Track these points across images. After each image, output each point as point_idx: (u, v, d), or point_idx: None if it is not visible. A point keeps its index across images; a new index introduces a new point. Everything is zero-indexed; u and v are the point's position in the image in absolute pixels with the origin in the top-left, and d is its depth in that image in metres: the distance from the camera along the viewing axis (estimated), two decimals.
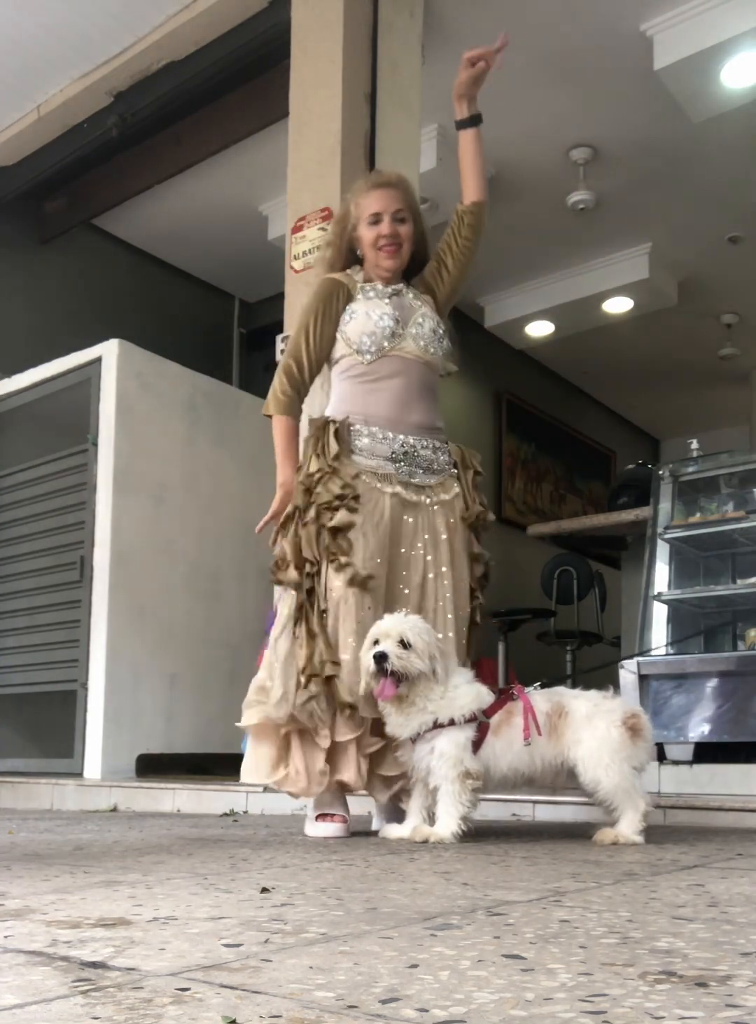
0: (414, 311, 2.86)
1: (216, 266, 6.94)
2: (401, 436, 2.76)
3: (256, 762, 2.70)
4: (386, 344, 2.77)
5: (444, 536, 2.75)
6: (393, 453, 2.74)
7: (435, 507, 2.77)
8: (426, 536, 2.73)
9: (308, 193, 3.98)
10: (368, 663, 2.33)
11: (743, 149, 5.41)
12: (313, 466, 2.73)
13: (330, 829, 2.63)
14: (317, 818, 2.67)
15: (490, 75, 2.95)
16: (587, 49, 4.76)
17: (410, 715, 2.34)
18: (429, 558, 2.72)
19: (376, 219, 2.82)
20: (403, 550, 2.71)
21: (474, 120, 2.94)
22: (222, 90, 5.03)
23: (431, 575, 2.72)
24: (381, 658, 2.29)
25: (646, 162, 5.63)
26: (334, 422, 2.76)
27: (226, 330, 7.32)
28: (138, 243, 6.66)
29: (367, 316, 2.79)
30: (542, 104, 5.17)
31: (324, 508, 2.67)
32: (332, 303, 2.84)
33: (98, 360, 4.74)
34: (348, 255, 2.93)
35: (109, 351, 4.71)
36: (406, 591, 2.70)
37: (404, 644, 2.30)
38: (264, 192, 5.98)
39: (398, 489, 2.72)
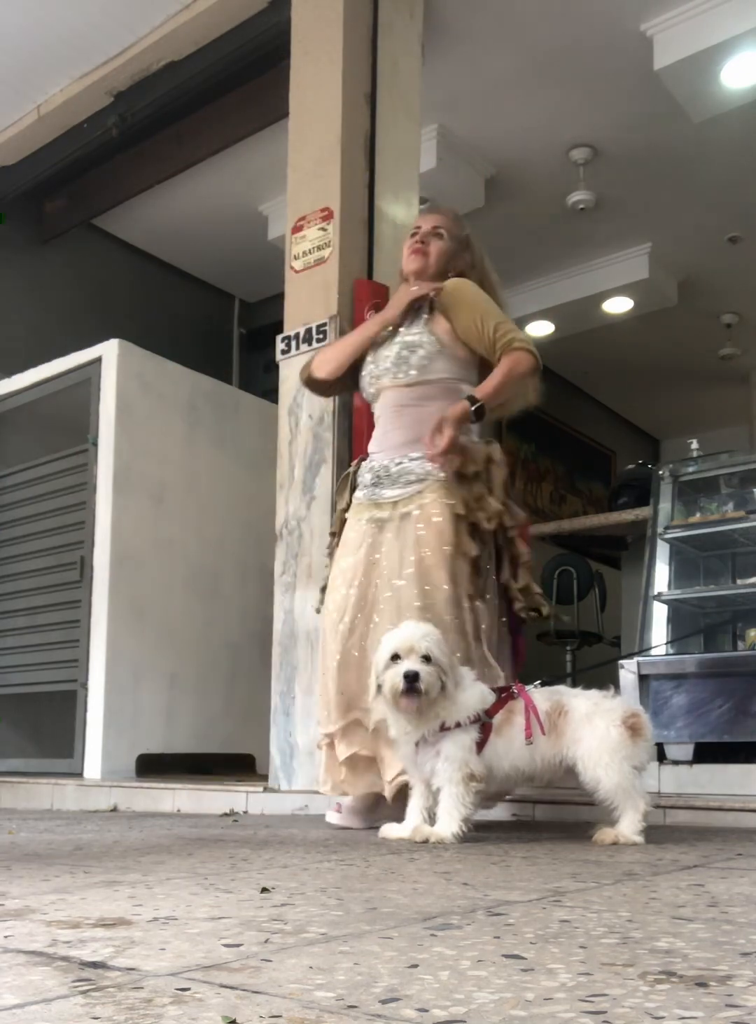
0: (385, 346, 3.01)
1: (216, 266, 6.94)
2: (378, 459, 2.96)
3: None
4: (372, 390, 3.05)
5: (412, 542, 2.79)
6: (367, 481, 2.95)
7: (405, 516, 2.83)
8: (397, 545, 2.82)
9: (308, 193, 3.98)
10: (396, 681, 2.27)
11: (743, 149, 5.41)
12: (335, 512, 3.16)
13: (334, 818, 2.90)
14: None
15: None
16: (587, 49, 4.76)
17: (421, 724, 2.33)
18: (397, 565, 2.80)
19: (414, 232, 3.10)
20: (382, 564, 2.82)
21: (473, 401, 2.86)
22: (222, 90, 5.03)
23: (400, 581, 2.77)
24: (413, 677, 2.24)
25: (646, 162, 5.63)
26: (349, 470, 3.13)
27: (226, 330, 7.32)
28: (138, 243, 6.66)
29: (365, 365, 3.09)
30: (542, 104, 5.17)
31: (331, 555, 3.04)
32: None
33: (98, 360, 4.74)
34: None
35: (109, 351, 4.71)
36: (387, 595, 2.79)
37: (427, 658, 2.27)
38: (264, 192, 5.98)
39: (370, 512, 2.90)
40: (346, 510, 3.01)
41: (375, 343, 3.03)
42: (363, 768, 2.80)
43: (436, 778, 2.32)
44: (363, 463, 3.03)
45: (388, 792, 2.72)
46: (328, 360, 3.13)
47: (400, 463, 2.88)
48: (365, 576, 2.82)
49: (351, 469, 3.10)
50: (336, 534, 3.06)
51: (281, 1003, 0.86)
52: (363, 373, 3.07)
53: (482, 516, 2.80)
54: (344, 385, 3.22)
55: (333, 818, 2.91)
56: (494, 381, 2.85)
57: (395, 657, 2.30)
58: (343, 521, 3.01)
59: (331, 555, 3.05)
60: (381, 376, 2.98)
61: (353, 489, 3.03)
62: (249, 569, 5.06)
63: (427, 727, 2.33)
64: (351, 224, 3.88)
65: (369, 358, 3.04)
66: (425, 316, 2.98)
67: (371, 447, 3.04)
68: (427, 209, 3.31)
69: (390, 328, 3.01)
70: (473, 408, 2.78)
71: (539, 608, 2.88)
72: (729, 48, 4.47)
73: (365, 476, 2.97)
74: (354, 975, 0.96)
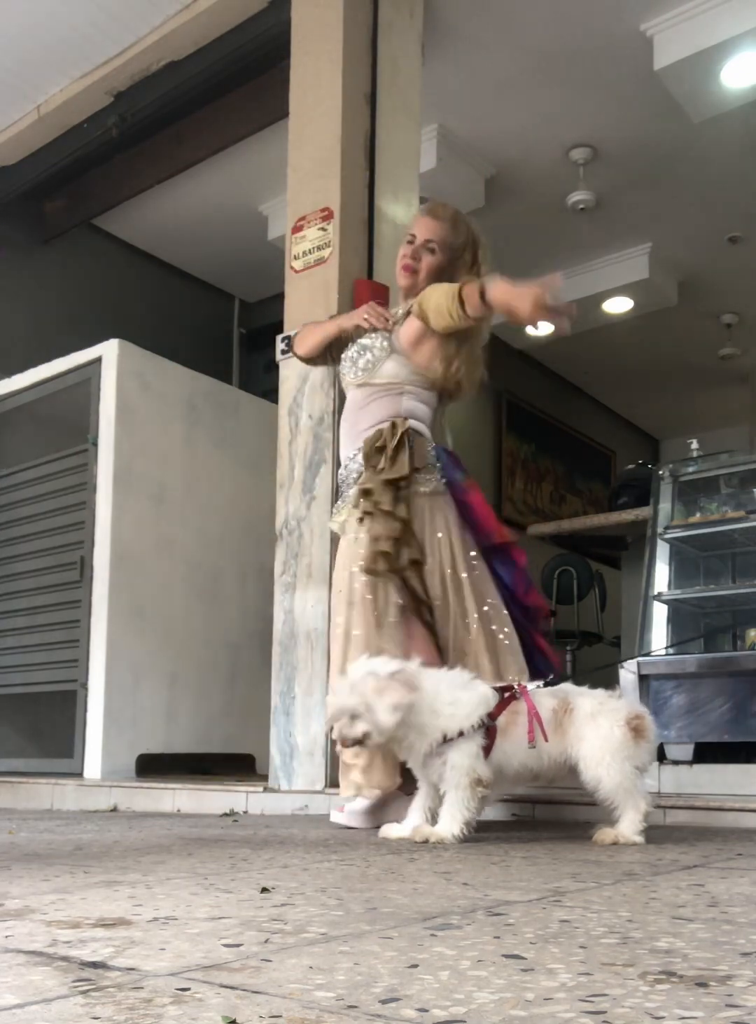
0: (348, 345, 3.13)
1: (216, 266, 6.94)
2: (343, 466, 3.07)
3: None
4: (342, 385, 3.20)
5: (355, 535, 2.90)
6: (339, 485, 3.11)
7: (353, 511, 2.95)
8: (345, 546, 2.95)
9: (308, 193, 3.98)
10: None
11: (743, 149, 5.40)
12: None
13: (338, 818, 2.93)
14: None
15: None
16: (587, 49, 4.76)
17: (409, 740, 2.32)
18: (347, 560, 2.91)
19: (410, 239, 3.07)
20: (351, 570, 2.91)
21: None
22: (222, 90, 5.03)
23: (348, 580, 2.90)
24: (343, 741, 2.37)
25: (646, 162, 5.63)
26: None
27: (226, 330, 7.32)
28: (138, 243, 6.66)
29: None
30: (542, 104, 5.17)
31: None
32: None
33: (98, 360, 4.74)
34: None
35: (109, 351, 4.71)
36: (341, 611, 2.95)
37: (351, 714, 2.30)
38: (264, 192, 5.98)
39: (340, 519, 3.02)
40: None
41: (348, 338, 3.16)
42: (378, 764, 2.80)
43: (443, 783, 2.32)
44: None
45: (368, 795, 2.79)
46: (304, 341, 3.29)
47: (351, 459, 3.02)
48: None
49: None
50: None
51: (281, 1003, 0.86)
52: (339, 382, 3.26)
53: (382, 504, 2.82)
54: (326, 361, 3.36)
55: (338, 818, 2.91)
56: (474, 284, 2.77)
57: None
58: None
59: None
60: (344, 374, 3.13)
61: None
62: (249, 569, 5.06)
63: (423, 741, 2.31)
64: (351, 224, 3.88)
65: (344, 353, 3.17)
66: (401, 314, 3.06)
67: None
68: (426, 210, 3.16)
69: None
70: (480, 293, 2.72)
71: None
72: (729, 48, 4.47)
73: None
74: (354, 975, 0.96)
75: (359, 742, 2.32)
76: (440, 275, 3.00)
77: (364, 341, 3.06)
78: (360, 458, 2.94)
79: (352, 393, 3.10)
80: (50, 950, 1.11)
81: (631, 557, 4.64)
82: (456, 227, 3.05)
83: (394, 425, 2.90)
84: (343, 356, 3.14)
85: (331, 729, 2.39)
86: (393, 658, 2.42)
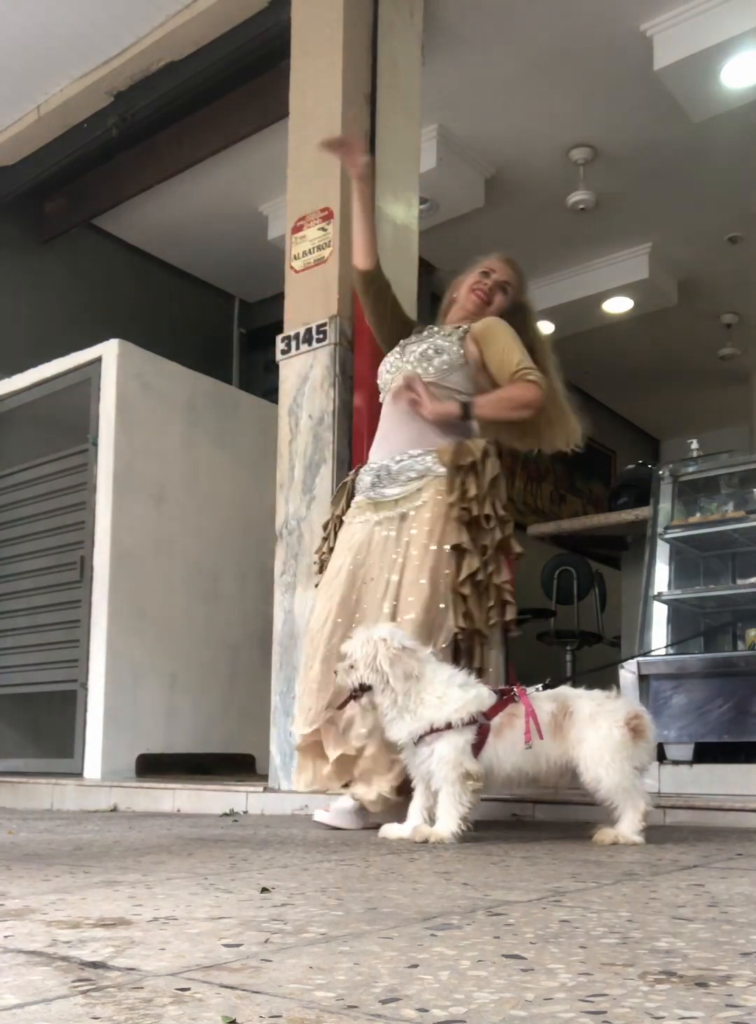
0: (417, 342, 3.04)
1: (216, 266, 6.94)
2: (378, 462, 2.97)
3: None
4: (389, 377, 3.05)
5: (406, 539, 2.83)
6: (368, 482, 2.96)
7: (405, 515, 2.86)
8: (388, 544, 2.85)
9: (308, 193, 3.98)
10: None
11: (743, 149, 5.40)
12: (326, 519, 3.16)
13: (322, 816, 2.87)
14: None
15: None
16: (587, 49, 4.76)
17: (393, 721, 2.38)
18: (395, 558, 2.82)
19: (486, 273, 3.10)
20: (370, 563, 2.85)
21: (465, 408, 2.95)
22: (222, 90, 5.03)
23: (395, 578, 2.80)
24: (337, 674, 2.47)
25: (646, 162, 5.63)
26: (346, 479, 3.12)
27: (226, 330, 7.31)
28: (138, 243, 6.66)
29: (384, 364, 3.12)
30: (542, 104, 5.17)
31: (321, 565, 3.04)
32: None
33: (98, 360, 4.74)
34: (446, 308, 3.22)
35: (109, 351, 4.71)
36: (378, 585, 2.83)
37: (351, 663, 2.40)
38: (264, 192, 5.98)
39: (367, 514, 2.92)
40: (341, 516, 3.04)
41: (404, 340, 3.10)
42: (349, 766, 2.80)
43: (433, 779, 2.33)
44: (361, 469, 3.05)
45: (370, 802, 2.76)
46: (356, 249, 3.22)
47: (400, 461, 2.90)
48: (350, 577, 2.84)
49: (350, 478, 3.10)
50: (326, 538, 3.08)
51: (281, 1003, 0.86)
52: (386, 362, 3.09)
53: (474, 506, 2.81)
54: (385, 306, 3.22)
55: (322, 816, 2.87)
56: (492, 395, 2.95)
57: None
58: (337, 526, 3.03)
59: (321, 564, 3.04)
60: (402, 369, 3.00)
61: (350, 497, 3.04)
62: (249, 569, 5.06)
63: (408, 727, 2.34)
64: (351, 224, 3.87)
65: (396, 349, 3.09)
66: (462, 331, 3.01)
67: (373, 450, 3.05)
68: (503, 257, 3.18)
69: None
70: (462, 405, 2.89)
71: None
72: (729, 48, 4.47)
73: (364, 479, 2.98)
74: (354, 975, 0.96)
75: (351, 696, 2.41)
76: (502, 316, 3.06)
77: (438, 342, 2.99)
78: (428, 460, 2.87)
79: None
80: (50, 950, 1.11)
81: (631, 557, 4.63)
82: (524, 284, 3.18)
83: (486, 452, 2.90)
84: (407, 350, 3.03)
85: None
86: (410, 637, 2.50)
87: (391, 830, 2.48)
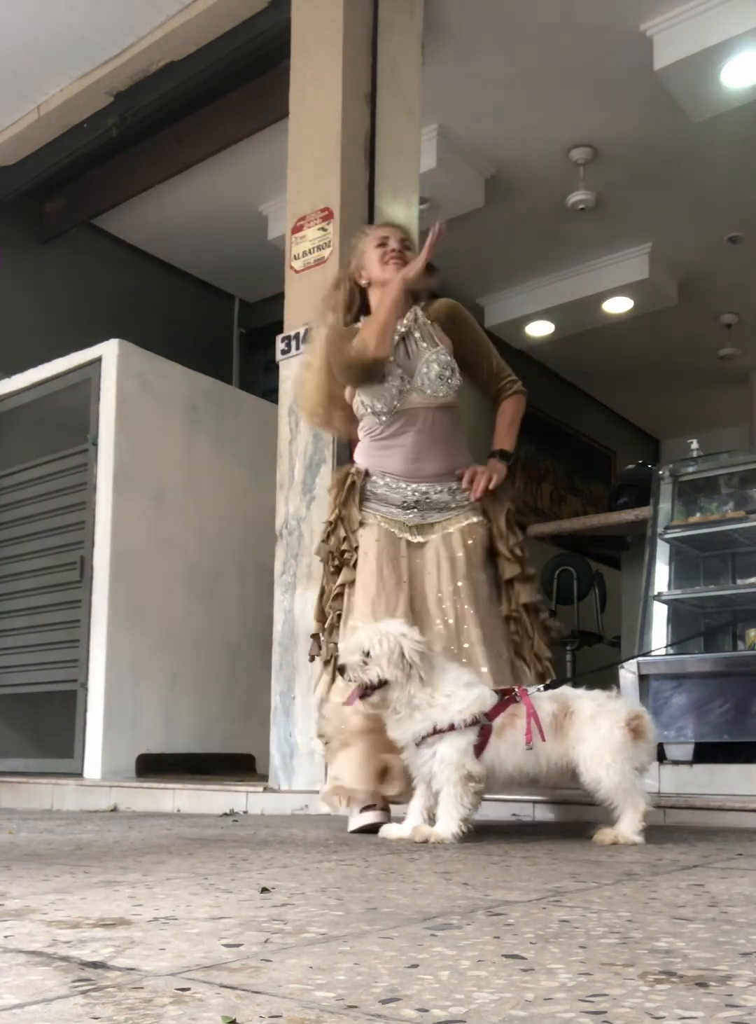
0: (420, 357, 2.96)
1: (216, 266, 6.94)
2: (414, 485, 2.91)
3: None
4: (396, 403, 2.93)
5: (460, 554, 2.86)
6: (404, 502, 2.90)
7: (451, 531, 2.88)
8: (442, 555, 2.84)
9: (308, 193, 3.98)
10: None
11: (743, 149, 5.40)
12: (329, 516, 2.99)
13: (374, 816, 2.71)
14: (361, 810, 2.75)
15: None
16: (587, 49, 4.76)
17: (400, 721, 2.36)
18: (446, 573, 2.82)
19: (383, 241, 3.03)
20: (427, 573, 2.84)
21: (504, 456, 3.04)
22: (222, 90, 5.03)
23: (449, 587, 2.81)
24: (341, 669, 2.42)
25: (646, 162, 5.63)
26: (351, 474, 2.97)
27: (226, 330, 7.31)
28: (138, 243, 6.66)
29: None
30: (542, 104, 5.17)
31: (330, 565, 2.95)
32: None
33: (98, 360, 4.74)
34: (356, 298, 3.09)
35: (109, 351, 4.71)
36: (437, 597, 2.81)
37: (367, 654, 2.36)
38: (264, 192, 5.98)
39: (406, 536, 2.88)
40: (347, 512, 2.92)
41: (397, 356, 2.94)
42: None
43: (435, 780, 2.33)
44: (382, 479, 2.92)
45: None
46: (382, 338, 2.89)
47: (441, 491, 2.92)
48: (411, 581, 2.83)
49: (357, 480, 2.94)
50: (331, 537, 2.94)
51: (281, 1003, 0.86)
52: (381, 390, 2.91)
53: (518, 548, 2.93)
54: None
55: (372, 817, 2.73)
56: (514, 428, 3.08)
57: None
58: (348, 527, 2.91)
59: (339, 565, 2.92)
60: (412, 392, 2.91)
61: (361, 501, 2.94)
62: (249, 569, 5.06)
63: (413, 727, 2.34)
64: (351, 224, 3.87)
65: (394, 372, 2.92)
66: (433, 331, 2.99)
67: (392, 468, 2.92)
68: (383, 224, 3.26)
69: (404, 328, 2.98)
70: (507, 465, 3.00)
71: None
72: (729, 48, 4.47)
73: (395, 495, 2.90)
74: (354, 975, 0.96)
75: (369, 689, 2.36)
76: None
77: (443, 357, 2.94)
78: (448, 490, 2.91)
79: (431, 414, 2.92)
80: (50, 950, 1.11)
81: (631, 557, 4.63)
82: (410, 232, 3.18)
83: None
84: (417, 372, 2.92)
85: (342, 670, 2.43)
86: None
87: (391, 830, 2.48)
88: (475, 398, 3.22)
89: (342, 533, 2.92)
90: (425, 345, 2.97)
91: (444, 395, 2.94)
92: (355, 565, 2.88)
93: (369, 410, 2.96)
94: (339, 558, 2.92)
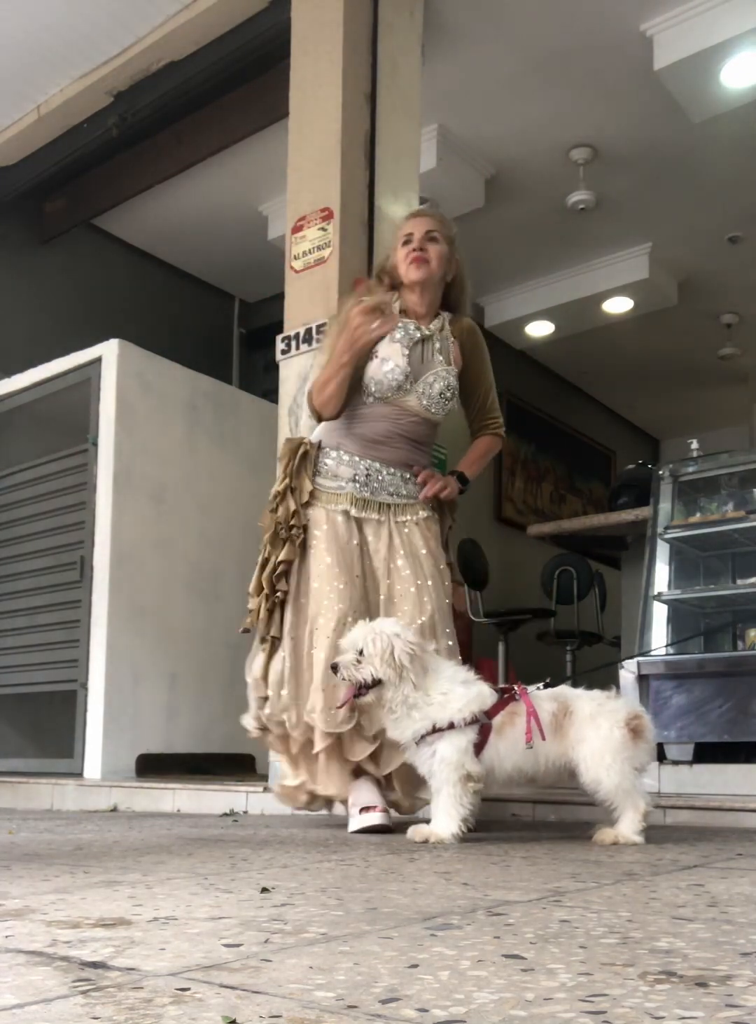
0: (430, 368, 2.95)
1: (216, 266, 6.94)
2: (366, 461, 2.93)
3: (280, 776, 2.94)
4: (390, 396, 2.92)
5: (423, 551, 2.89)
6: (355, 475, 2.91)
7: (405, 524, 2.92)
8: (401, 551, 2.87)
9: (308, 193, 3.98)
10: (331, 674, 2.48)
11: (743, 149, 5.40)
12: (278, 486, 2.97)
13: (377, 817, 2.70)
14: (361, 810, 2.74)
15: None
16: (587, 49, 4.76)
17: (397, 721, 2.36)
18: (407, 572, 2.84)
19: (407, 239, 2.98)
20: (376, 566, 2.86)
21: (462, 479, 3.10)
22: (222, 90, 5.03)
23: (412, 588, 2.82)
24: (335, 668, 2.40)
25: (646, 162, 5.63)
26: (305, 444, 2.96)
27: (226, 330, 7.31)
28: (138, 243, 6.66)
29: (382, 363, 2.91)
30: (542, 104, 5.17)
31: (276, 535, 2.90)
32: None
33: (98, 360, 4.74)
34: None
35: (109, 351, 4.71)
36: (401, 595, 2.82)
37: (360, 653, 2.36)
38: (264, 192, 5.98)
39: (348, 507, 2.87)
40: (296, 484, 2.91)
41: (412, 355, 2.91)
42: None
43: (433, 779, 2.33)
44: (335, 452, 2.92)
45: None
46: (328, 402, 2.93)
47: (392, 472, 2.95)
48: (352, 576, 2.81)
49: (306, 448, 2.93)
50: (279, 507, 2.91)
51: (281, 1003, 0.86)
52: (382, 375, 2.89)
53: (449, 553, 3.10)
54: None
55: (375, 819, 2.71)
56: (481, 462, 3.16)
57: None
58: (303, 505, 2.88)
59: (285, 538, 2.87)
60: (411, 394, 2.90)
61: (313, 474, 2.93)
62: (249, 569, 5.03)
63: (412, 726, 2.34)
64: (351, 224, 3.88)
65: (397, 363, 2.89)
66: (452, 347, 2.99)
67: (355, 446, 2.93)
68: (414, 213, 3.19)
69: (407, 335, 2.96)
70: (461, 486, 3.05)
71: None
72: (729, 48, 4.47)
73: (344, 470, 2.91)
74: (354, 975, 0.96)
75: (364, 689, 2.36)
76: (447, 264, 2.99)
77: (450, 381, 2.96)
78: (400, 477, 2.96)
79: (417, 424, 2.96)
80: (50, 950, 1.11)
81: (631, 557, 4.63)
82: (446, 222, 3.08)
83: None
84: (424, 381, 2.91)
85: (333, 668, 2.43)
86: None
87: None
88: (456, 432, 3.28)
89: (292, 505, 2.88)
90: (441, 359, 2.97)
91: (435, 412, 2.97)
92: (301, 544, 2.87)
93: (363, 386, 2.93)
94: (287, 531, 2.87)
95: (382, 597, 2.83)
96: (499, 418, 3.17)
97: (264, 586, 2.89)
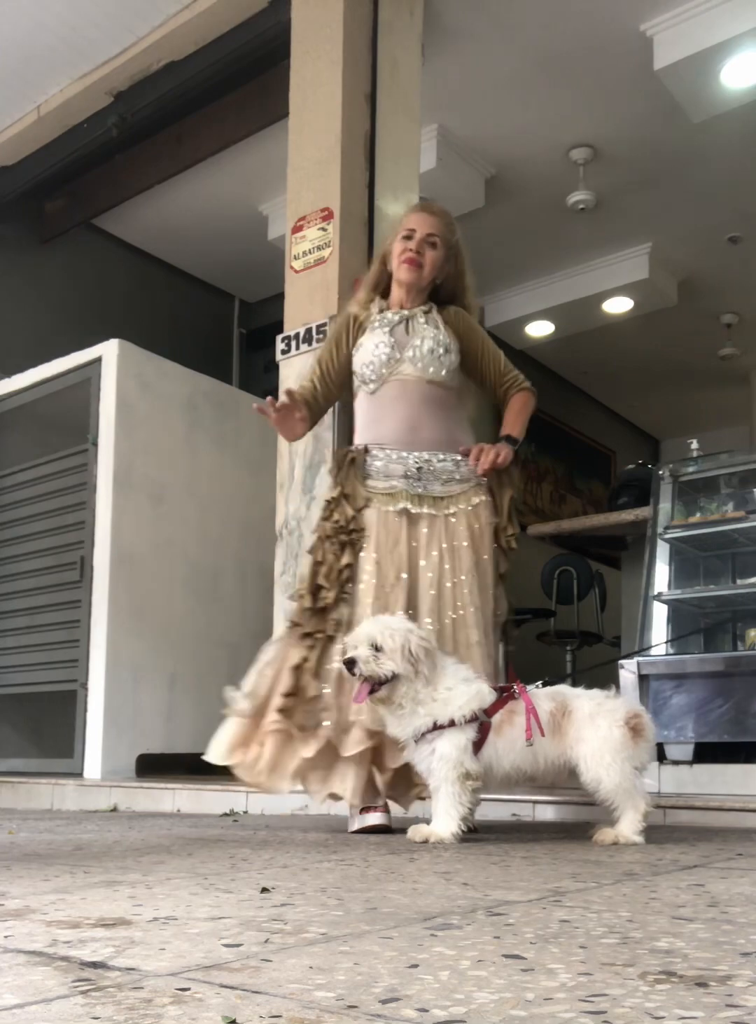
0: (414, 335, 2.92)
1: (216, 266, 6.94)
2: (414, 454, 2.87)
3: (219, 740, 2.86)
4: (384, 371, 2.90)
5: (464, 543, 2.82)
6: (407, 471, 2.86)
7: (453, 516, 2.85)
8: (442, 545, 2.80)
9: (308, 193, 3.98)
10: (343, 670, 2.43)
11: (743, 149, 5.41)
12: (330, 493, 2.95)
13: (377, 818, 2.69)
14: (361, 811, 2.72)
15: None
16: (587, 49, 4.76)
17: (402, 717, 2.35)
18: (446, 567, 2.78)
19: (409, 234, 2.95)
20: (422, 562, 2.79)
21: (511, 441, 3.01)
22: (222, 90, 5.03)
23: (448, 583, 2.77)
24: (350, 664, 2.35)
25: (646, 162, 5.63)
26: (351, 451, 2.93)
27: (226, 330, 7.32)
28: (138, 243, 6.66)
29: (368, 347, 2.92)
30: (542, 104, 5.17)
31: (334, 540, 2.84)
32: (343, 339, 3.02)
33: (98, 360, 4.74)
34: (384, 278, 3.05)
35: (109, 351, 4.71)
36: (432, 593, 2.77)
37: (376, 648, 2.33)
38: (264, 192, 5.98)
39: (405, 505, 2.83)
40: (350, 492, 2.86)
41: (390, 326, 2.92)
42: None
43: (432, 777, 2.32)
44: (382, 452, 2.88)
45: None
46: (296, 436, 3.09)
47: (442, 460, 2.88)
48: (410, 573, 2.76)
49: (353, 455, 2.90)
50: (335, 513, 2.87)
51: (281, 1003, 0.86)
52: (371, 355, 2.89)
53: (513, 541, 2.94)
54: (330, 401, 3.14)
55: (375, 819, 2.71)
56: (522, 418, 3.04)
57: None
58: (351, 504, 2.85)
59: (345, 542, 2.82)
60: (403, 362, 2.88)
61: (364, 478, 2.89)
62: (249, 569, 5.06)
63: (413, 723, 2.33)
64: (351, 224, 3.88)
65: (380, 340, 2.90)
66: (437, 319, 2.95)
67: (387, 437, 2.89)
68: (420, 207, 3.14)
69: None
70: (512, 449, 2.95)
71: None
72: (729, 48, 4.47)
73: (394, 467, 2.86)
74: (354, 975, 0.96)
75: (380, 683, 2.33)
76: (441, 269, 2.97)
77: (440, 336, 2.91)
78: (464, 468, 2.88)
79: (425, 388, 2.89)
80: (50, 950, 1.11)
81: (631, 557, 4.63)
82: (450, 225, 3.03)
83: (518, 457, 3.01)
84: (408, 343, 2.88)
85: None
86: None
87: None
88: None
89: (348, 511, 2.84)
90: (426, 325, 2.93)
91: (434, 371, 2.88)
92: (359, 548, 2.80)
93: (360, 379, 2.94)
94: (347, 535, 2.82)
95: (432, 592, 2.77)
96: (519, 374, 3.07)
97: (319, 587, 2.81)
